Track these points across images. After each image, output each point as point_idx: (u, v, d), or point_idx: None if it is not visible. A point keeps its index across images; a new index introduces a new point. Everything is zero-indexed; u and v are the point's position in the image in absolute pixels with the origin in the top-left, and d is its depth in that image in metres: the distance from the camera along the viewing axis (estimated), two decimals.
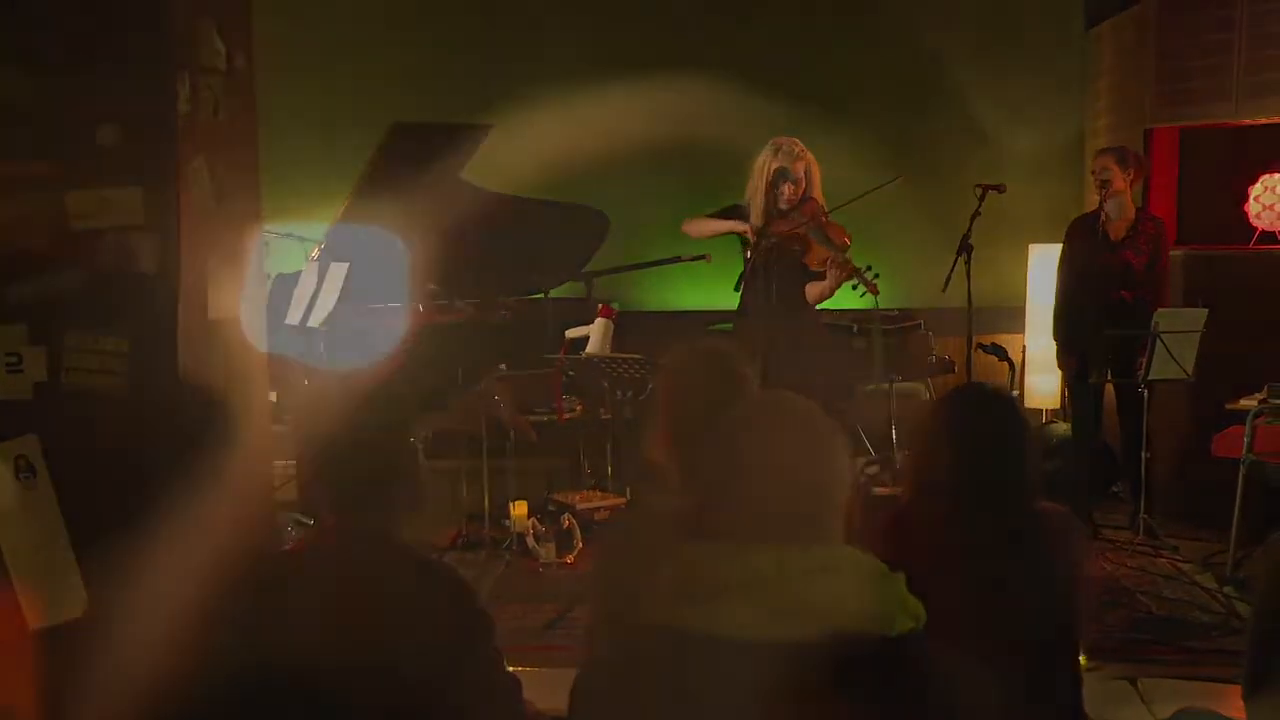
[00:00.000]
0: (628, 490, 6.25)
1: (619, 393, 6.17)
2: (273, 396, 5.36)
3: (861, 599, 2.14)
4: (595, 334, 6.25)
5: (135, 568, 2.80)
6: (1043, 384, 7.63)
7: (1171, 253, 6.52)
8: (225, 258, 3.05)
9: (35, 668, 2.85)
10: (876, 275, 5.64)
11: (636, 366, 5.73)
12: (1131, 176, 6.17)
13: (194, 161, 2.86)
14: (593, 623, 2.84)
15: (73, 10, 2.76)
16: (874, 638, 2.05)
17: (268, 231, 6.56)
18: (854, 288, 5.70)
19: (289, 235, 6.60)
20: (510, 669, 2.70)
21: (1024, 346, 7.68)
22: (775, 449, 2.20)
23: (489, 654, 2.58)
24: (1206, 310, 5.80)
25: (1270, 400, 5.60)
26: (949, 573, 2.64)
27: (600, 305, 6.46)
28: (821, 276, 5.77)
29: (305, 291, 6.13)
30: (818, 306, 6.01)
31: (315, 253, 6.33)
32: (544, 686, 2.63)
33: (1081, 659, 4.45)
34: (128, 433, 2.87)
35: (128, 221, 2.81)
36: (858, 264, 5.64)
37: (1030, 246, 7.64)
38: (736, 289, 5.72)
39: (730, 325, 6.14)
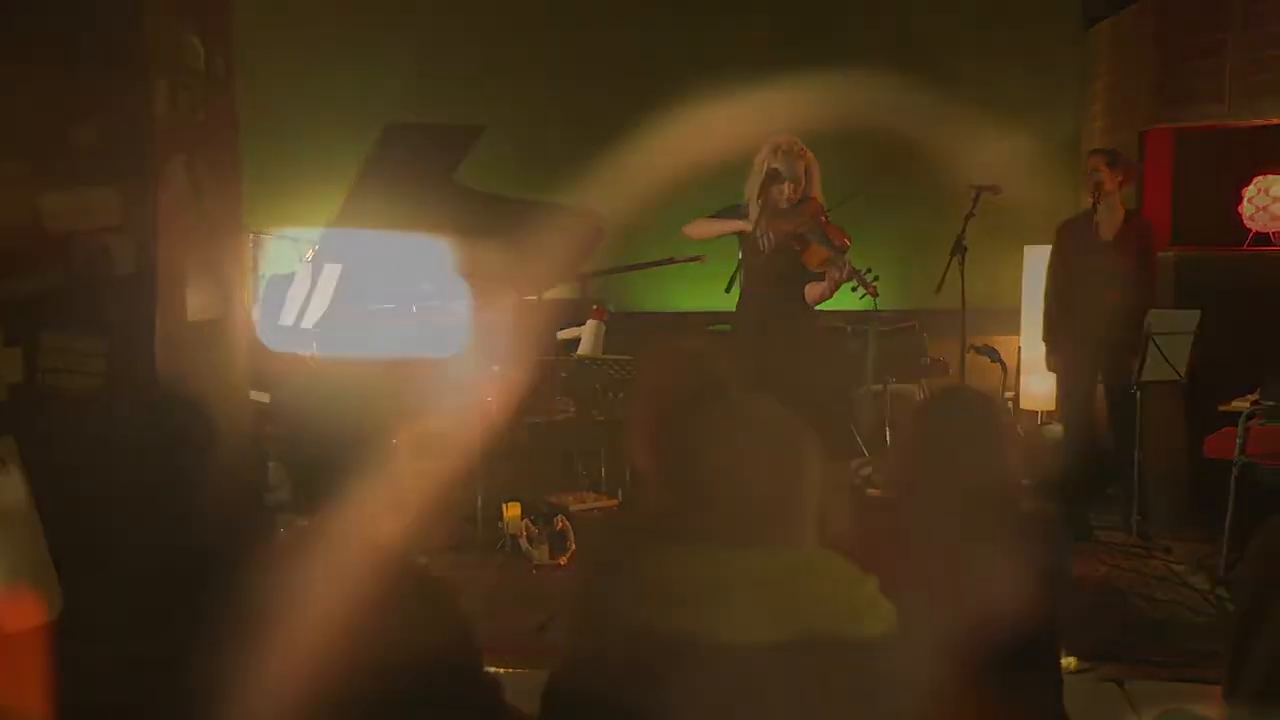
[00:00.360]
0: (619, 491, 6.25)
1: (611, 394, 6.16)
2: (265, 398, 5.37)
3: (832, 601, 2.14)
4: (587, 335, 6.25)
5: (111, 570, 2.80)
6: (1038, 385, 7.62)
7: (1165, 254, 6.52)
8: (204, 259, 3.05)
9: (43, 667, 2.85)
10: (876, 277, 5.62)
11: (628, 368, 5.73)
12: (1121, 178, 6.17)
13: (171, 162, 2.86)
14: (573, 624, 2.84)
15: (48, 10, 2.75)
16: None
17: (263, 234, 6.59)
18: (853, 289, 5.68)
19: (283, 237, 6.61)
20: (502, 670, 2.69)
21: (1019, 348, 7.66)
22: (746, 453, 2.19)
23: (468, 658, 2.57)
24: (1199, 312, 5.79)
25: (1263, 402, 5.59)
26: (931, 573, 2.64)
27: (593, 307, 6.46)
28: (821, 277, 5.75)
29: (299, 293, 6.14)
30: (816, 307, 5.99)
31: (310, 254, 6.33)
32: (537, 688, 2.62)
33: (1072, 661, 4.48)
34: (104, 434, 2.86)
35: (104, 222, 2.80)
36: (857, 265, 5.62)
37: (1026, 248, 7.63)
38: (727, 290, 5.71)
39: (729, 326, 6.13)
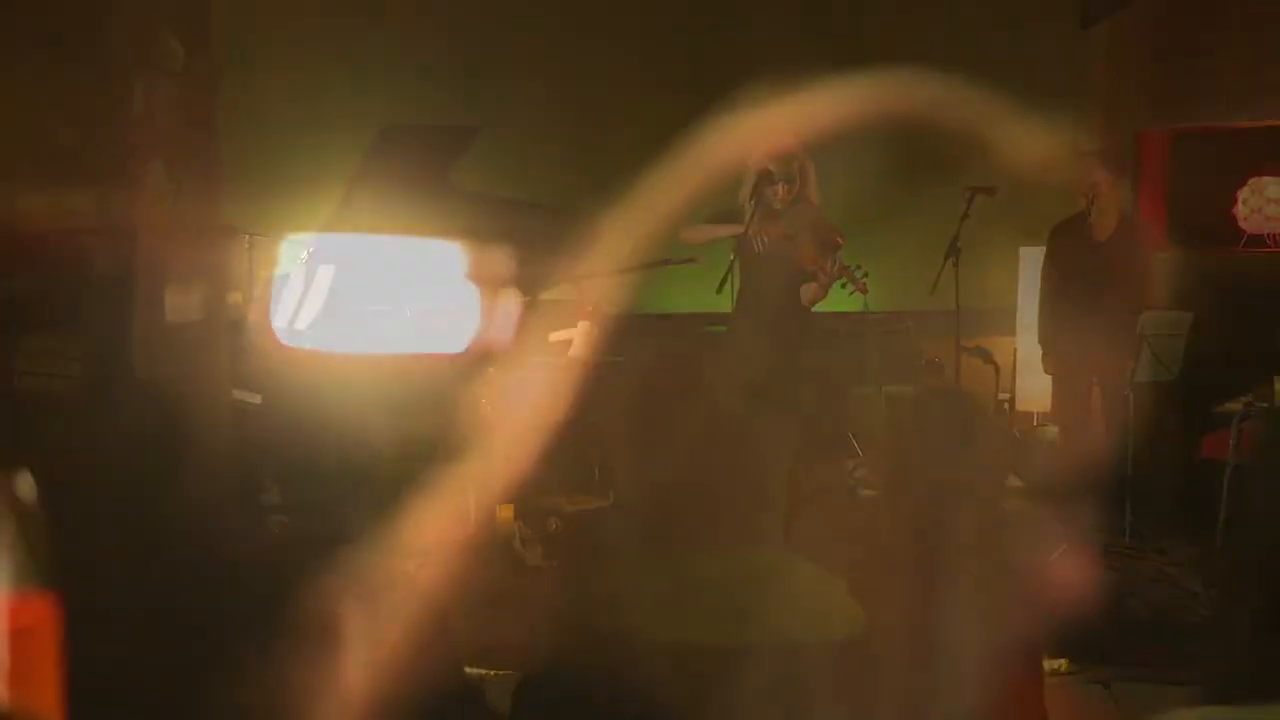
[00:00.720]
0: (610, 493, 6.24)
1: (603, 396, 6.15)
2: (256, 399, 5.37)
3: (799, 603, 2.14)
4: (580, 337, 6.25)
5: (87, 572, 2.80)
6: (1034, 386, 7.59)
7: (1160, 255, 6.51)
8: (184, 260, 3.05)
9: (56, 665, 2.84)
10: (865, 274, 5.66)
11: (619, 370, 5.72)
12: (1115, 179, 6.18)
13: (150, 163, 2.86)
14: (546, 626, 2.84)
15: (25, 13, 2.76)
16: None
17: (260, 236, 6.60)
18: (842, 286, 5.72)
19: (284, 240, 6.60)
20: (493, 673, 2.70)
21: (1015, 349, 7.65)
22: (716, 456, 2.20)
23: (449, 660, 2.58)
24: (1191, 314, 5.80)
25: (1256, 403, 5.59)
26: (912, 573, 2.64)
27: (587, 308, 6.46)
28: (815, 277, 5.77)
29: (293, 295, 6.14)
30: (813, 308, 6.00)
31: (304, 256, 6.33)
32: None
33: (1063, 663, 4.47)
34: (82, 435, 2.86)
35: (82, 224, 2.80)
36: (848, 263, 5.66)
37: (1021, 249, 7.61)
38: (718, 291, 5.73)
39: (726, 328, 6.15)
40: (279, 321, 5.92)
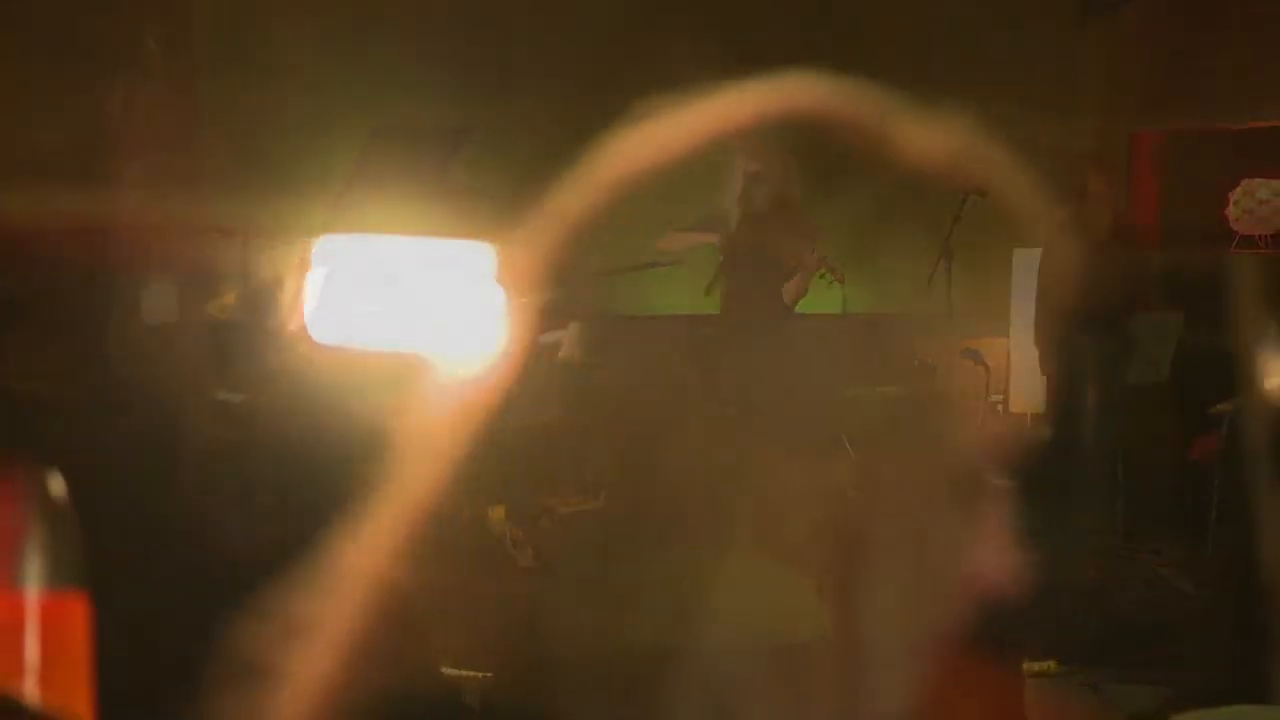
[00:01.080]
0: (602, 494, 6.25)
1: (593, 397, 6.17)
2: (238, 399, 5.36)
3: (766, 604, 2.15)
4: (569, 339, 6.26)
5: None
6: (1027, 388, 7.58)
7: (1152, 256, 6.52)
8: (164, 261, 3.05)
9: (89, 670, 2.84)
10: (840, 267, 5.76)
11: (608, 372, 5.75)
12: (1107, 181, 6.19)
13: (130, 164, 2.86)
14: (519, 626, 2.86)
15: (2, 12, 2.76)
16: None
17: (256, 237, 6.60)
18: (821, 276, 5.80)
19: (282, 241, 6.61)
20: (481, 674, 2.70)
21: (1008, 350, 7.64)
22: (703, 459, 2.21)
23: (425, 659, 2.58)
24: (1181, 315, 5.81)
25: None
26: (892, 573, 2.64)
27: (578, 310, 6.47)
28: (795, 274, 5.84)
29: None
30: (797, 309, 6.04)
31: (300, 258, 6.33)
32: None
33: (1053, 664, 4.47)
34: (62, 438, 2.86)
35: (62, 225, 2.81)
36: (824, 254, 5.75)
37: (1015, 250, 7.60)
38: (707, 293, 5.78)
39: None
40: (306, 321, 5.93)
